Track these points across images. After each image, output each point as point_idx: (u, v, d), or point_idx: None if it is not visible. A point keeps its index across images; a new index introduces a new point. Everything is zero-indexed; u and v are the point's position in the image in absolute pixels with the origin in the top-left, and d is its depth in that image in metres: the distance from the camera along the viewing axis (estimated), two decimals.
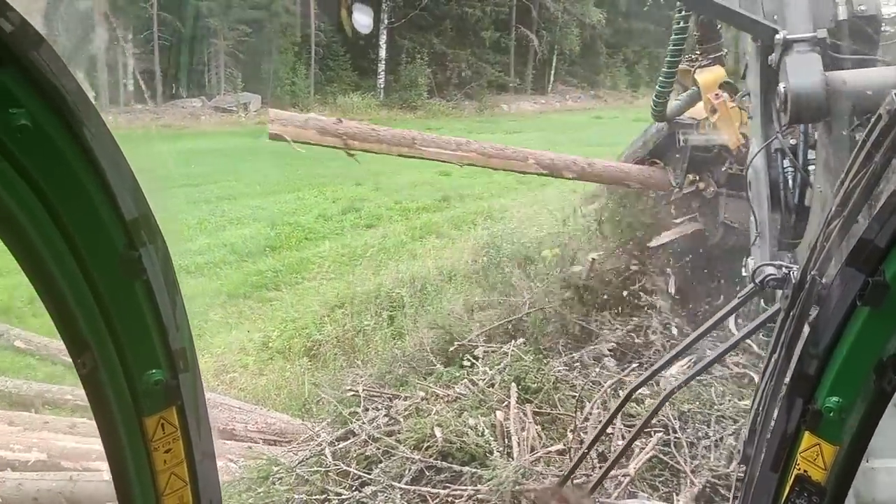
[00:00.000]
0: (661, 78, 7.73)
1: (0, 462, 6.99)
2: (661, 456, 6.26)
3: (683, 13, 7.23)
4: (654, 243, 8.88)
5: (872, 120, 1.26)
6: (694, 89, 7.83)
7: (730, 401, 6.62)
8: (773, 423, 1.52)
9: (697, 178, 8.09)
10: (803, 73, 2.40)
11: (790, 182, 2.75)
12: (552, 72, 40.49)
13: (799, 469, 1.46)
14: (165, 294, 1.20)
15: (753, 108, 2.96)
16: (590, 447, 2.15)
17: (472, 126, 30.78)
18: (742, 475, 1.68)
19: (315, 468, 6.45)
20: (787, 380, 1.49)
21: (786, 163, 2.78)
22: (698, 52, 7.81)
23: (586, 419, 6.43)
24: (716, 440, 6.34)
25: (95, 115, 1.10)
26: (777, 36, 2.48)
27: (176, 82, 30.97)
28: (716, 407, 6.64)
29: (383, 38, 34.23)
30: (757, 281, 1.56)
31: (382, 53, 34.06)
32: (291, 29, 31.46)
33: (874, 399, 1.37)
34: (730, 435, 6.34)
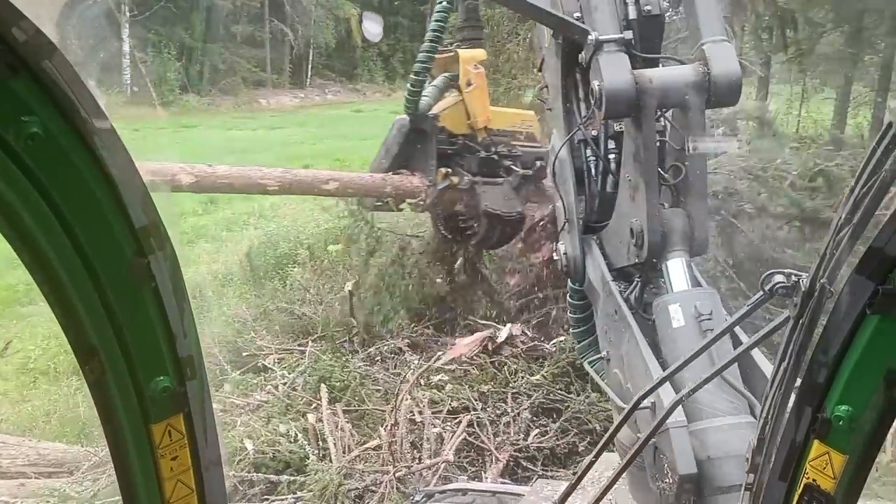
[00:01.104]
0: (416, 67, 7.76)
1: None
2: (466, 437, 6.66)
3: (446, 2, 7.44)
4: None
5: (883, 128, 1.31)
6: (445, 76, 7.97)
7: (522, 377, 7.18)
8: (781, 432, 1.53)
9: (449, 171, 8.13)
10: (615, 72, 2.56)
11: (593, 170, 3.06)
12: (309, 66, 40.27)
13: (808, 478, 1.45)
14: (173, 301, 1.17)
15: (552, 101, 3.20)
16: (597, 455, 2.17)
17: (231, 122, 29.68)
18: (750, 484, 1.63)
19: (115, 498, 5.94)
20: (795, 388, 1.50)
21: (588, 152, 3.07)
22: (458, 40, 8.02)
23: (395, 410, 6.61)
24: (513, 416, 6.87)
25: (107, 123, 1.09)
26: (591, 37, 2.62)
27: None
28: (511, 385, 7.18)
29: (126, 32, 31.73)
30: (766, 289, 1.59)
31: (126, 48, 31.55)
32: None
33: (884, 408, 1.37)
34: (524, 409, 6.90)
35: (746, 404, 2.35)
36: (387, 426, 6.49)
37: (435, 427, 6.49)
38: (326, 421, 6.56)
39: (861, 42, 12.42)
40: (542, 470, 6.45)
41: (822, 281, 1.40)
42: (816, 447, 1.42)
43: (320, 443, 6.44)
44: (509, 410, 6.93)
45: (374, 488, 5.82)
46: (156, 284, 1.15)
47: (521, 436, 6.71)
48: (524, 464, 6.53)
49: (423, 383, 7.29)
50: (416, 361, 7.76)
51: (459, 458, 6.51)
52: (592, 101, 2.63)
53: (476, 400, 7.06)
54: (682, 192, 2.78)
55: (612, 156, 3.00)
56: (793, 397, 1.49)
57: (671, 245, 2.71)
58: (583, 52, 2.76)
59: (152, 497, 1.23)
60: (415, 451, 6.41)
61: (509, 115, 8.49)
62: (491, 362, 7.50)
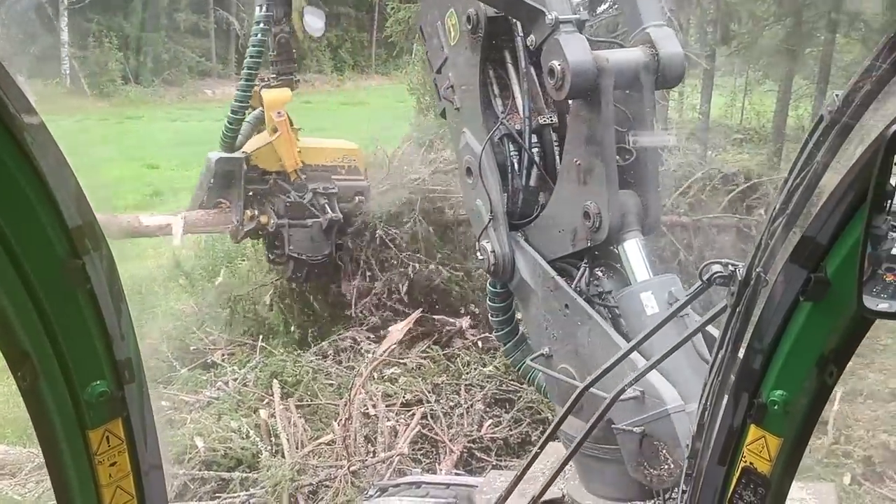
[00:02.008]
0: (232, 104, 7.67)
1: None
2: (420, 429, 6.66)
3: (262, 27, 7.33)
4: None
5: (815, 121, 1.36)
6: (256, 113, 7.90)
7: (475, 369, 7.20)
8: (720, 418, 1.57)
9: (256, 212, 8.02)
10: (578, 51, 2.56)
11: (516, 165, 3.06)
12: (291, 37, 39.47)
13: (745, 462, 1.50)
14: (110, 303, 1.13)
15: (463, 100, 3.18)
16: (541, 446, 2.18)
17: (176, 113, 28.96)
18: (690, 471, 1.66)
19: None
20: (733, 375, 1.55)
21: (511, 147, 3.06)
22: (272, 75, 7.86)
23: (348, 404, 6.56)
24: (467, 407, 6.89)
25: (37, 119, 1.05)
26: (549, 17, 2.61)
27: None
28: (464, 377, 7.20)
29: (64, 21, 30.70)
30: (704, 279, 1.62)
31: (65, 37, 30.53)
32: None
33: (816, 392, 1.41)
34: (478, 401, 6.93)
35: None
36: (340, 420, 6.45)
37: (389, 420, 6.47)
38: (279, 416, 6.48)
39: (801, 36, 12.73)
40: (496, 460, 6.49)
41: (757, 270, 1.44)
42: (753, 431, 1.46)
43: (273, 439, 6.37)
44: (462, 402, 6.95)
45: (328, 483, 5.78)
46: (91, 286, 1.12)
47: (475, 427, 6.74)
48: (478, 455, 6.56)
49: (376, 377, 7.27)
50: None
51: (414, 450, 6.51)
52: (551, 82, 2.61)
53: (430, 392, 7.07)
54: (632, 174, 2.82)
55: (534, 149, 3.01)
56: (730, 384, 1.52)
57: (626, 226, 2.75)
58: (531, 36, 2.75)
59: None
60: (369, 444, 6.38)
61: (328, 150, 8.38)
62: (443, 354, 7.51)
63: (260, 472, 5.86)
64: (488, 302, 3.45)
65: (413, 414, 6.68)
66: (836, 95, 1.30)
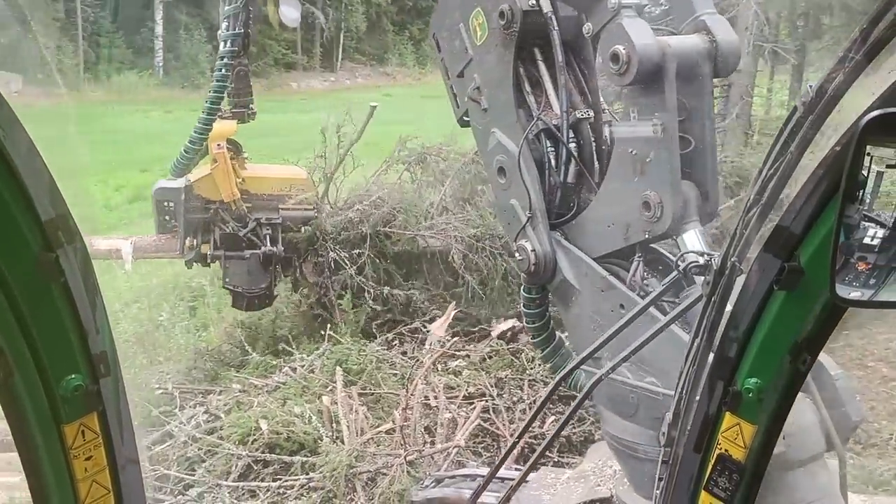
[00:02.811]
0: (193, 131, 7.68)
1: None
2: (481, 423, 6.63)
3: (225, 62, 7.40)
4: None
5: (789, 111, 1.36)
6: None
7: (540, 365, 7.10)
8: (695, 406, 1.58)
9: (197, 241, 8.10)
10: (643, 35, 2.52)
11: (553, 161, 2.97)
12: (340, 49, 40.27)
13: (720, 449, 1.52)
14: (85, 296, 1.13)
15: (494, 99, 3.11)
16: (519, 436, 2.24)
17: (262, 105, 29.72)
18: (666, 458, 1.69)
19: None
20: (708, 363, 1.56)
21: (548, 144, 2.98)
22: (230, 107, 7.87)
23: (409, 395, 6.59)
24: (530, 403, 6.81)
25: (8, 112, 1.04)
26: (611, 1, 2.57)
27: None
28: (528, 372, 7.11)
29: (160, 14, 32.03)
30: (680, 268, 1.63)
31: (159, 30, 31.86)
32: (53, 3, 28.40)
33: (790, 379, 1.44)
34: (541, 397, 6.83)
35: None
36: (400, 410, 6.49)
37: (448, 412, 6.46)
38: (341, 403, 6.57)
39: None
40: (559, 457, 6.38)
41: (732, 259, 1.46)
42: (728, 419, 1.49)
43: (334, 425, 6.46)
44: (525, 398, 6.87)
45: (385, 471, 5.82)
46: (65, 279, 1.11)
47: (538, 423, 6.64)
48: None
49: (439, 369, 7.28)
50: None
51: (475, 443, 6.49)
52: (615, 67, 2.54)
53: (492, 386, 7.02)
54: (689, 163, 2.71)
55: (572, 145, 2.93)
56: (706, 373, 1.55)
57: (687, 215, 2.64)
58: (588, 24, 2.72)
59: (66, 499, 1.19)
60: (428, 435, 6.40)
61: (273, 179, 8.38)
62: (508, 349, 7.44)
63: (319, 457, 5.95)
64: (523, 308, 3.37)
65: (474, 407, 6.66)
66: (810, 87, 1.30)
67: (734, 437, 1.48)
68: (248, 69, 7.90)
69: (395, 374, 7.35)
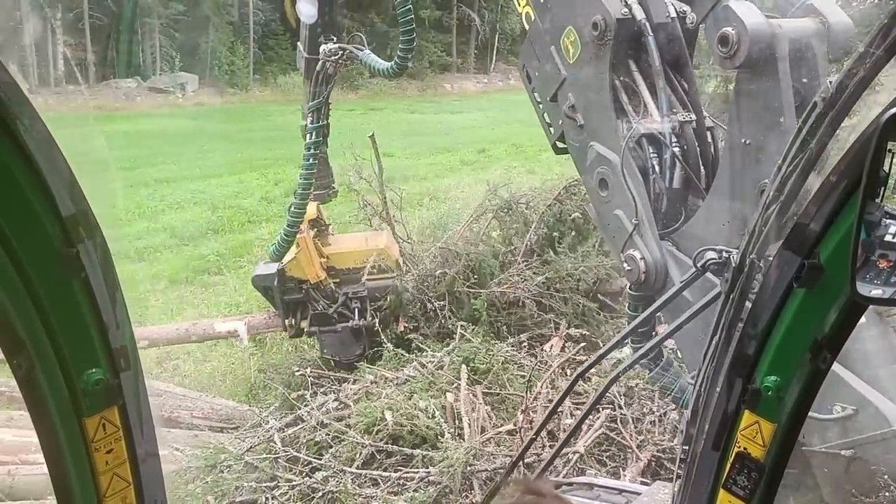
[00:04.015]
0: (289, 215, 8.03)
1: None
2: (608, 432, 6.39)
3: (312, 152, 7.75)
4: None
5: (809, 106, 1.30)
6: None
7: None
8: (714, 404, 1.56)
9: (292, 322, 8.54)
10: (753, 16, 2.45)
11: (657, 167, 2.80)
12: (494, 51, 40.53)
13: (739, 447, 1.50)
14: (105, 291, 1.15)
15: (591, 112, 3.00)
16: (539, 429, 2.20)
17: (415, 106, 30.60)
18: (684, 455, 1.67)
19: (264, 455, 6.38)
20: (727, 361, 1.52)
21: (651, 150, 2.82)
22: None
23: (535, 398, 6.48)
24: (660, 415, 6.48)
25: (29, 108, 1.05)
26: None
27: (109, 62, 29.92)
28: (659, 384, 6.77)
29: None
30: (699, 265, 1.57)
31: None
32: (228, 7, 30.68)
33: (810, 377, 1.41)
34: (672, 410, 6.49)
35: None
36: (524, 411, 6.39)
37: (571, 418, 6.28)
38: (464, 401, 6.57)
39: None
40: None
41: (751, 256, 1.42)
42: (747, 417, 1.48)
43: (457, 422, 6.47)
44: (655, 409, 6.55)
45: (502, 471, 5.74)
46: (86, 274, 1.12)
47: (667, 436, 6.31)
48: (668, 465, 6.14)
49: (568, 374, 7.11)
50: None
51: (599, 452, 6.28)
52: (723, 50, 2.50)
53: (621, 395, 6.76)
54: None
55: (675, 149, 2.76)
56: (724, 370, 1.52)
57: None
58: (692, 13, 2.64)
59: (87, 492, 1.20)
60: (550, 439, 6.25)
61: (354, 253, 8.71)
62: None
63: (438, 452, 5.98)
64: (632, 345, 3.23)
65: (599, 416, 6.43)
66: (830, 83, 1.26)
67: (753, 435, 1.48)
68: (326, 154, 8.47)
69: (521, 376, 7.26)
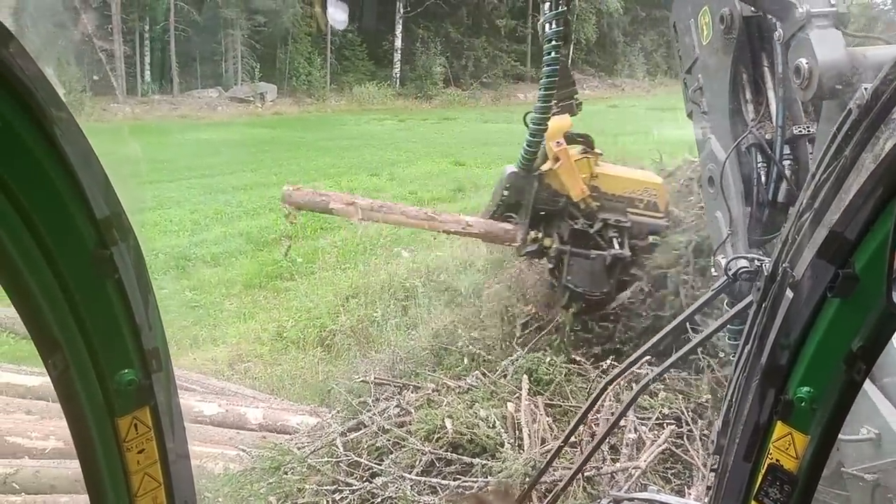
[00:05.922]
0: (531, 123, 7.23)
1: (18, 450, 7.07)
2: (673, 448, 6.22)
3: (553, 44, 6.85)
4: None
5: (843, 113, 1.26)
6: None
7: None
8: (745, 414, 1.53)
9: (540, 234, 7.62)
10: (829, 47, 2.36)
11: (763, 177, 2.68)
12: (569, 60, 40.18)
13: (771, 458, 1.48)
14: (138, 293, 1.18)
15: (711, 104, 2.87)
16: (599, 443, 2.21)
17: (488, 115, 30.64)
18: (716, 466, 1.66)
19: (326, 458, 6.47)
20: (759, 371, 1.49)
21: (759, 158, 2.70)
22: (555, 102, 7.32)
23: (598, 411, 6.36)
24: None
25: (66, 112, 1.08)
26: (799, 10, 2.40)
27: (192, 73, 31.15)
28: None
29: (399, 28, 34.15)
30: (730, 273, 1.57)
31: (398, 43, 33.97)
32: (307, 19, 31.50)
33: (844, 389, 1.38)
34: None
35: None
36: (587, 424, 6.29)
37: (634, 432, 6.14)
38: (524, 411, 6.51)
39: None
40: None
41: (784, 265, 1.40)
42: (779, 428, 1.46)
43: (516, 432, 6.41)
44: None
45: (560, 483, 5.66)
46: (119, 276, 1.15)
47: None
48: None
49: (633, 386, 6.94)
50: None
51: (664, 468, 6.12)
52: (797, 81, 2.36)
53: (690, 412, 6.56)
54: None
55: (786, 162, 2.63)
56: (756, 380, 1.50)
57: None
58: (778, 31, 2.49)
59: (119, 491, 1.23)
60: (613, 453, 6.13)
61: (625, 180, 7.76)
62: (714, 377, 6.91)
63: (497, 462, 5.94)
64: (728, 341, 3.13)
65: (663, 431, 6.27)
66: (865, 89, 1.21)
67: (786, 446, 1.46)
68: (567, 59, 7.71)
69: (585, 389, 7.14)
